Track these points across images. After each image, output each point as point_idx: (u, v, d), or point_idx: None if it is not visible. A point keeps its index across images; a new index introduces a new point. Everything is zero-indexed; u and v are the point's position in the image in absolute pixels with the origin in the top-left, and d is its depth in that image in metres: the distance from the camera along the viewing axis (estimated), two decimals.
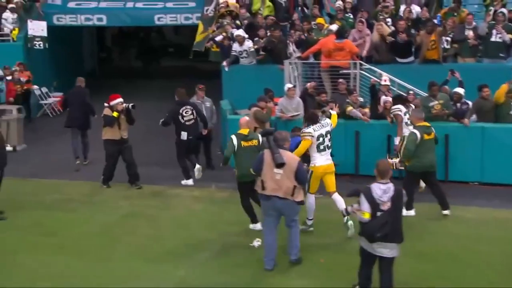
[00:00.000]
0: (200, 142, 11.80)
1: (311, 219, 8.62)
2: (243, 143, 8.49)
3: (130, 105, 10.64)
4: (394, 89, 11.85)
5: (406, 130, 9.84)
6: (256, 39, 13.69)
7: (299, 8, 15.88)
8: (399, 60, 12.85)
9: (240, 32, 13.63)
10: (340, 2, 14.42)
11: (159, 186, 11.09)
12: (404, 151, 9.00)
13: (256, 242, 8.09)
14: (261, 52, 13.54)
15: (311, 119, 8.53)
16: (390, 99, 11.03)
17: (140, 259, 7.78)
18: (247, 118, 9.03)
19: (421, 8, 14.25)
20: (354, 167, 11.21)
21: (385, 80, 11.50)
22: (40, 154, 13.13)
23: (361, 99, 11.50)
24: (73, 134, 12.37)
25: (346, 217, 8.27)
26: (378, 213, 6.02)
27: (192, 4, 18.19)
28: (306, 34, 13.68)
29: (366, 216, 6.03)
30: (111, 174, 10.98)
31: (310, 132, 8.30)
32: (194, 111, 11.07)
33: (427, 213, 9.26)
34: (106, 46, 27.10)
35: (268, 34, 13.61)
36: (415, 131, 8.97)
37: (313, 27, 13.99)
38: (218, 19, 15.07)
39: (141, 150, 11.82)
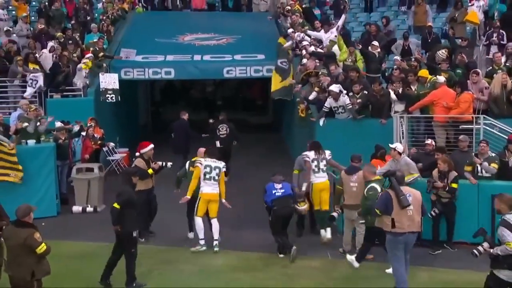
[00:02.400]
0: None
1: (203, 239, 10.07)
2: (191, 168, 10.51)
3: (169, 164, 10.94)
4: None
5: (313, 177, 10.30)
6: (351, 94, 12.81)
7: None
8: None
9: (334, 88, 12.52)
10: (443, 52, 13.48)
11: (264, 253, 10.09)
12: (370, 206, 8.36)
13: None
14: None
15: (209, 153, 10.36)
16: None
17: None
18: (203, 149, 10.67)
19: None
20: None
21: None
22: None
23: (492, 154, 10.29)
24: (178, 158, 13.40)
25: None
26: None
27: (262, 57, 17.57)
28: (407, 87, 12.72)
29: None
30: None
31: (200, 161, 10.18)
32: (228, 129, 14.54)
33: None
34: (154, 101, 26.45)
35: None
36: (375, 185, 8.81)
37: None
38: (304, 77, 14.16)
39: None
